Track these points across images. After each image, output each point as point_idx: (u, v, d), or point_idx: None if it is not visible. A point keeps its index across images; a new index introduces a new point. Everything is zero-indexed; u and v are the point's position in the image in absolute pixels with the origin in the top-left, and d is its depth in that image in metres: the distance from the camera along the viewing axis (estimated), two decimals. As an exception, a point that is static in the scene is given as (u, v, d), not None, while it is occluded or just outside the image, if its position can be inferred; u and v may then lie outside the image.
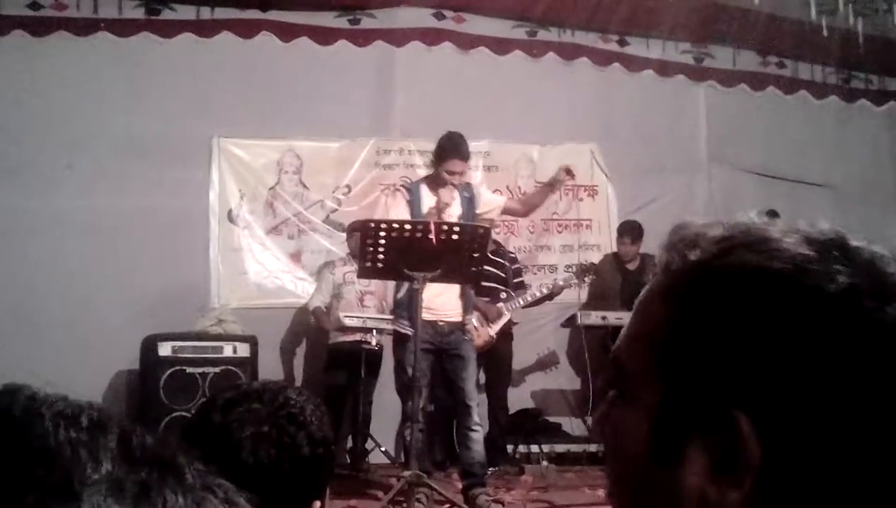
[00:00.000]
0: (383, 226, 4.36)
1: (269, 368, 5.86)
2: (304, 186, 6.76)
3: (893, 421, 0.55)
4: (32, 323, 5.92)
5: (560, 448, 6.28)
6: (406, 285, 4.64)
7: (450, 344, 4.84)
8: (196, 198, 6.51)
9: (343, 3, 6.83)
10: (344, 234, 6.43)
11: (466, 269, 4.46)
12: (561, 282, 6.09)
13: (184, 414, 5.17)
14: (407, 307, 4.68)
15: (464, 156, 4.81)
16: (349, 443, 5.96)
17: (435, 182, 4.85)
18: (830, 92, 8.00)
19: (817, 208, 6.88)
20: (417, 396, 4.43)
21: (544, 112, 7.11)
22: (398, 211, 4.76)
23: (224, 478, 0.40)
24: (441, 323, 4.81)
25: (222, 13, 6.59)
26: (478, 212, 4.91)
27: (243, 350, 5.61)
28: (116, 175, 6.22)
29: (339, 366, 5.92)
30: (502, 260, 6.09)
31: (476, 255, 4.39)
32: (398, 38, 6.87)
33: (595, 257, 6.83)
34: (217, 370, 5.47)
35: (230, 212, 6.60)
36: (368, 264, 4.40)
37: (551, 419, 6.68)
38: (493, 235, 5.36)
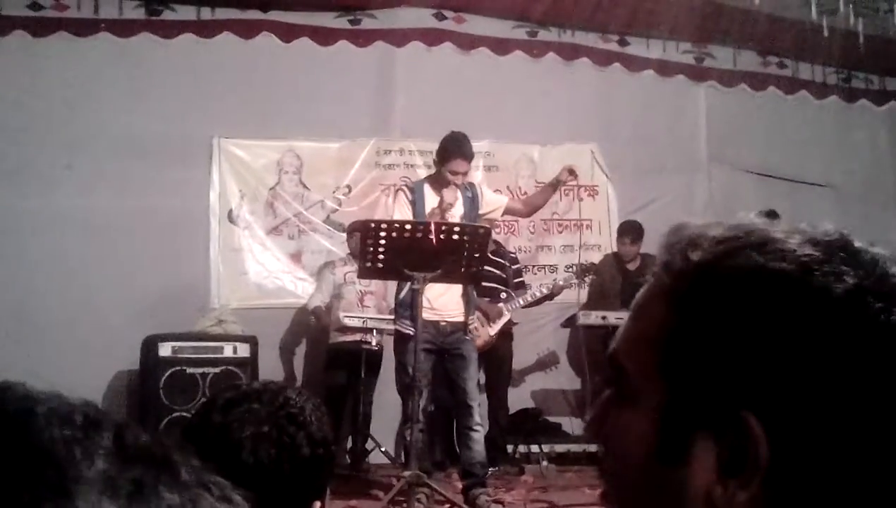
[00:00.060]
0: (383, 226, 4.36)
1: (270, 368, 5.86)
2: (305, 186, 6.76)
3: None
4: (32, 323, 5.92)
5: (560, 448, 6.28)
6: (408, 285, 4.64)
7: (451, 344, 4.83)
8: (196, 198, 6.51)
9: (343, 4, 6.83)
10: (344, 235, 6.43)
11: (467, 269, 4.45)
12: (561, 282, 6.09)
13: (184, 414, 5.16)
14: (409, 307, 4.67)
15: (467, 156, 4.79)
16: (349, 443, 5.96)
17: (438, 182, 4.83)
18: (831, 92, 7.99)
19: (818, 208, 6.88)
20: (418, 396, 4.43)
21: (545, 112, 7.11)
22: (401, 211, 4.74)
23: (224, 478, 0.40)
24: (443, 323, 4.80)
25: (223, 13, 6.59)
26: (480, 212, 4.89)
27: (243, 350, 5.61)
28: (116, 175, 6.22)
29: (340, 366, 5.92)
30: (502, 261, 6.08)
31: (476, 255, 4.39)
32: (398, 38, 6.87)
33: (595, 257, 6.82)
34: (217, 370, 5.46)
35: (230, 212, 6.60)
36: (369, 264, 4.40)
37: (551, 419, 6.68)
38: (494, 235, 5.34)
